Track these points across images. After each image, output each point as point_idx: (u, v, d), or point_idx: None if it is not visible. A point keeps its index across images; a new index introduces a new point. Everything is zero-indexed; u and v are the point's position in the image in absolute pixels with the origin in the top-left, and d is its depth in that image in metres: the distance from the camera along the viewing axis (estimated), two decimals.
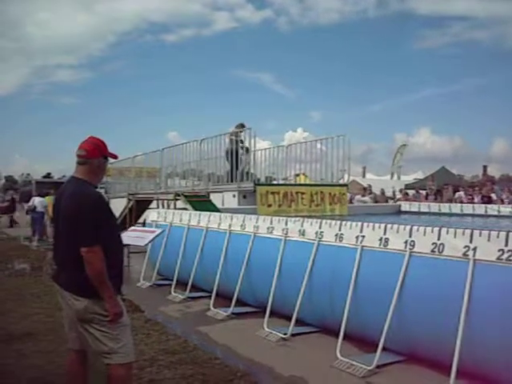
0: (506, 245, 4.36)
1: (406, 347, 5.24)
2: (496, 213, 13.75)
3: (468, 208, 14.66)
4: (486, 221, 12.68)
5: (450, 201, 17.07)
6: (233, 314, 7.14)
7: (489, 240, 4.50)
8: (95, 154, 3.60)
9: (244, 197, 12.01)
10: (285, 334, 6.07)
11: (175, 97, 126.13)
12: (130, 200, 15.13)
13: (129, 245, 7.60)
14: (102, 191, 15.51)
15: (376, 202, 18.65)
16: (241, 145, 12.29)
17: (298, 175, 14.50)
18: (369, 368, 4.95)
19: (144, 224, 11.12)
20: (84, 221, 3.36)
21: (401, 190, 22.21)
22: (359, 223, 5.84)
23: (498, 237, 4.44)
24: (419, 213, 14.98)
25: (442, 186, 21.47)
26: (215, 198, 12.40)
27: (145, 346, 5.62)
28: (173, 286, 8.61)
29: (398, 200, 18.89)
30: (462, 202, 16.63)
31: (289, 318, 6.22)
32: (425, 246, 5.01)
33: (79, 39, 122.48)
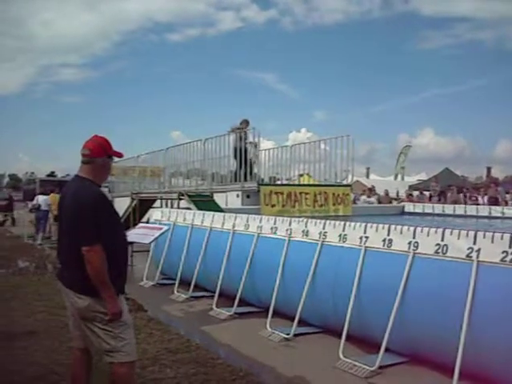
0: (510, 247, 4.34)
1: (408, 348, 5.23)
2: (500, 214, 13.73)
3: (472, 209, 14.63)
4: (490, 222, 12.65)
5: (455, 202, 17.02)
6: (235, 313, 7.14)
7: (493, 242, 4.49)
8: (100, 153, 3.59)
9: (247, 197, 12.02)
10: (287, 334, 6.07)
11: (179, 96, 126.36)
12: (133, 199, 15.14)
13: (133, 243, 7.62)
14: (106, 190, 15.51)
15: (380, 202, 18.64)
16: (248, 141, 12.29)
17: (301, 175, 14.51)
18: (371, 369, 4.94)
19: (147, 223, 11.14)
20: (85, 220, 3.36)
21: (409, 193, 22.14)
22: (363, 224, 5.83)
23: (501, 239, 4.43)
24: (423, 214, 14.96)
25: (445, 187, 21.44)
26: (219, 198, 12.42)
27: (147, 345, 5.62)
28: (176, 286, 8.61)
29: (402, 201, 18.88)
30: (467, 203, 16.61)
31: (292, 319, 6.22)
32: (428, 247, 5.00)
33: (84, 38, 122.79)
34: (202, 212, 9.23)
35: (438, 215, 14.53)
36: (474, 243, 4.61)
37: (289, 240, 6.70)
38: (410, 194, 20.99)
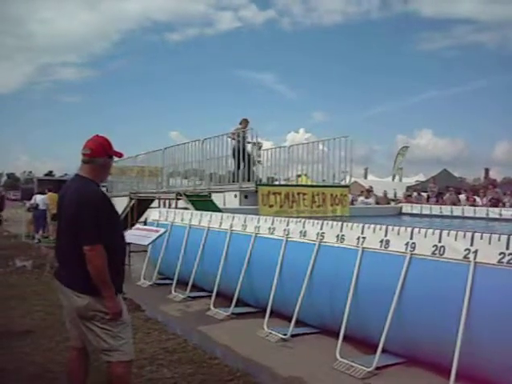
0: (507, 248, 4.35)
1: (405, 349, 5.24)
2: (497, 216, 13.75)
3: (469, 211, 14.65)
4: (488, 224, 12.67)
5: (454, 204, 17.05)
6: (233, 314, 7.14)
7: (490, 243, 4.50)
8: (100, 153, 3.61)
9: (245, 197, 12.03)
10: (285, 335, 6.07)
11: (177, 96, 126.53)
12: (131, 199, 15.14)
13: (131, 243, 7.63)
14: (104, 190, 15.50)
15: (378, 203, 18.66)
16: (251, 142, 12.31)
17: (299, 176, 14.51)
18: (368, 369, 4.95)
19: (145, 223, 11.15)
20: (86, 219, 3.37)
21: (407, 194, 22.16)
22: (360, 225, 5.84)
23: (499, 240, 4.44)
24: (420, 215, 14.98)
25: (443, 188, 21.47)
26: (217, 198, 12.42)
27: (145, 345, 5.62)
28: (173, 286, 8.61)
29: (400, 202, 18.90)
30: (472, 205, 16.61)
31: (289, 319, 6.22)
32: (426, 248, 5.00)
33: (83, 37, 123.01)
34: (199, 212, 9.23)
35: (436, 216, 14.55)
36: (472, 244, 4.61)
37: (286, 240, 6.70)
38: (408, 195, 21.02)
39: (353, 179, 17.04)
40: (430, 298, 4.86)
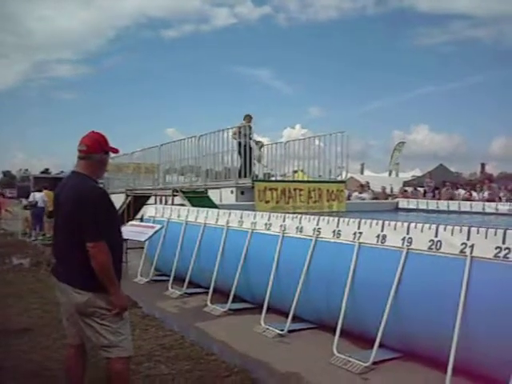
0: (504, 242, 4.36)
1: (402, 344, 5.25)
2: (494, 210, 13.78)
3: (466, 205, 14.67)
4: (484, 218, 12.70)
5: (451, 199, 17.07)
6: (230, 310, 7.14)
7: (486, 237, 4.50)
8: (96, 149, 3.60)
9: (242, 193, 12.03)
10: (282, 330, 6.07)
11: (174, 92, 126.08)
12: (127, 196, 15.13)
13: (128, 240, 7.61)
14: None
15: (377, 199, 18.67)
16: (254, 140, 12.34)
17: (296, 172, 14.52)
18: (365, 364, 4.96)
19: (142, 220, 11.14)
20: (87, 216, 3.36)
21: (403, 189, 22.15)
22: (357, 220, 5.84)
23: (495, 234, 4.45)
24: (417, 210, 15.00)
25: (440, 183, 21.49)
26: (213, 194, 12.41)
27: (142, 342, 5.61)
28: (170, 282, 8.61)
29: (396, 197, 18.92)
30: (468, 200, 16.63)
31: (286, 315, 6.23)
32: (422, 243, 5.01)
33: (79, 34, 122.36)
34: (195, 208, 9.23)
35: (432, 211, 14.57)
36: (468, 239, 4.62)
37: (283, 236, 6.70)
38: (405, 190, 21.03)
39: (349, 175, 17.00)
40: (427, 292, 4.87)
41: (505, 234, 4.38)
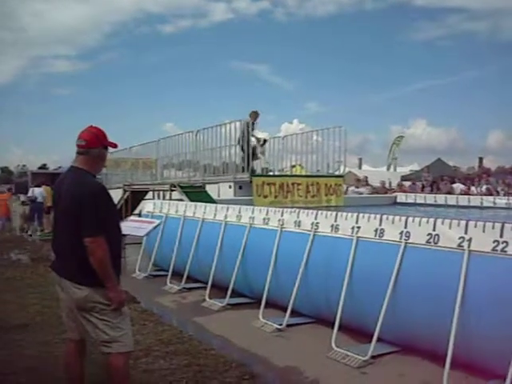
0: (501, 236, 4.36)
1: (400, 338, 5.25)
2: (492, 204, 13.79)
3: (464, 199, 14.67)
4: (482, 212, 12.71)
5: (450, 193, 17.05)
6: (228, 304, 7.15)
7: (484, 231, 4.51)
8: (95, 144, 3.60)
9: (240, 188, 12.02)
10: (280, 325, 6.08)
11: (171, 87, 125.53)
12: (125, 191, 15.11)
13: (126, 235, 7.60)
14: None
15: (376, 193, 18.64)
16: (256, 137, 12.34)
17: (294, 166, 14.52)
18: (364, 358, 4.97)
19: (140, 215, 11.13)
20: (87, 211, 3.36)
21: (401, 183, 22.12)
22: (355, 214, 5.84)
23: (493, 228, 4.44)
24: (415, 204, 15.00)
25: (437, 177, 21.48)
26: (211, 189, 12.40)
27: (140, 337, 5.62)
28: (168, 277, 8.61)
29: (394, 191, 18.90)
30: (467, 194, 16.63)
31: (284, 309, 6.23)
32: (420, 237, 5.01)
33: (75, 29, 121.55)
34: (194, 203, 9.22)
35: (430, 205, 14.56)
36: (466, 233, 4.62)
37: (281, 231, 6.70)
38: (403, 185, 21.02)
39: (347, 169, 16.99)
40: (425, 286, 4.87)
41: (502, 227, 4.38)
